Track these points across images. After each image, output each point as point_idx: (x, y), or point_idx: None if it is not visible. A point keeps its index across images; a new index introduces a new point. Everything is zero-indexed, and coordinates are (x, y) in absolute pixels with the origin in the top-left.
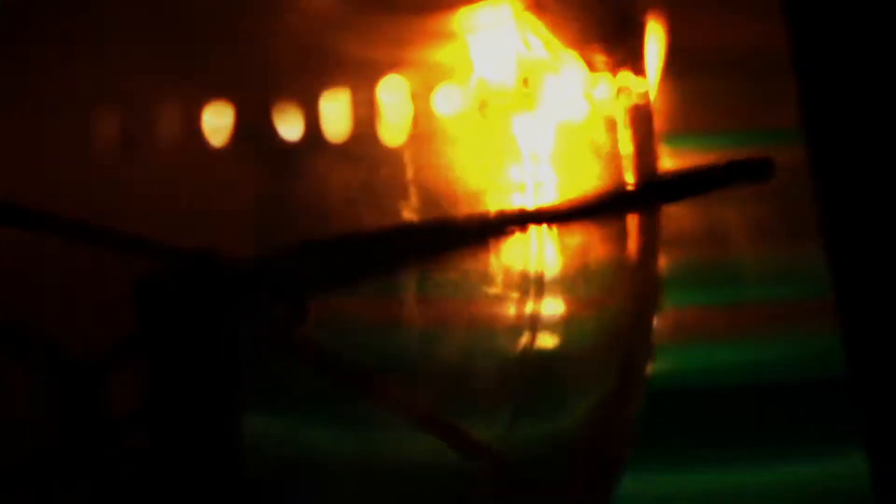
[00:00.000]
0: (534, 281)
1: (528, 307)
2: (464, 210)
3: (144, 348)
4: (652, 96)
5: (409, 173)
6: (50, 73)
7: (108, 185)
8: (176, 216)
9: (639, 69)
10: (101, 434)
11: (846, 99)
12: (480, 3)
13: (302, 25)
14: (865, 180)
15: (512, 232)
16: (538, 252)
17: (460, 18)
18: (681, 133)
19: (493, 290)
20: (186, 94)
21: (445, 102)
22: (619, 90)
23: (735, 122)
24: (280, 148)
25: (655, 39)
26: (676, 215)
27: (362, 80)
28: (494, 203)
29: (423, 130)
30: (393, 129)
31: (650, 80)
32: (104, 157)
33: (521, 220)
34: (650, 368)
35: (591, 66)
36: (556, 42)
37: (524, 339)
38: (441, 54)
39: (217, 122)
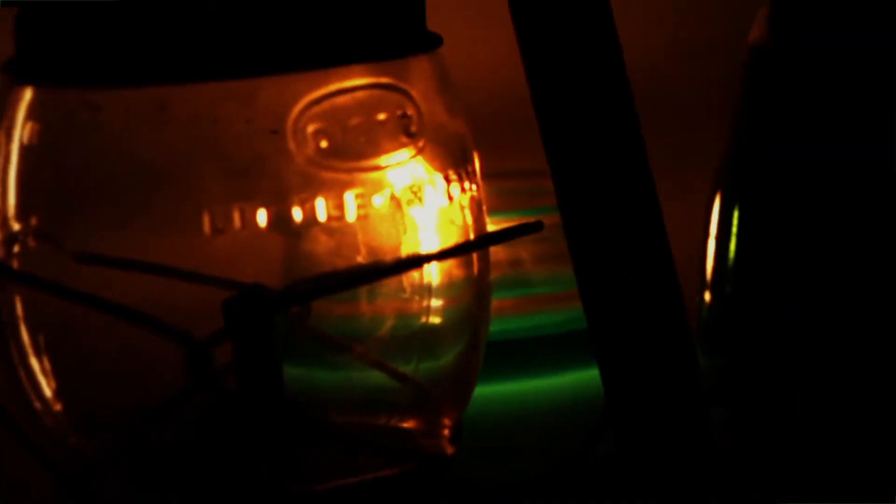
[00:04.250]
0: (426, 289)
1: (424, 303)
2: (390, 256)
3: (229, 336)
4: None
5: (361, 238)
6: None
7: (206, 254)
8: (243, 265)
9: (473, 180)
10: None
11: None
12: (396, 151)
13: (304, 167)
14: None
15: (414, 266)
16: (428, 274)
17: (386, 159)
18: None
19: (405, 295)
20: (244, 202)
21: (377, 200)
22: (464, 191)
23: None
24: (294, 227)
25: (480, 164)
26: (495, 251)
27: (336, 191)
28: (405, 250)
29: (367, 215)
30: (351, 216)
31: (480, 185)
32: (205, 238)
33: (419, 260)
34: (485, 332)
35: (450, 180)
36: (431, 169)
37: (422, 319)
38: (375, 176)
39: (261, 216)
